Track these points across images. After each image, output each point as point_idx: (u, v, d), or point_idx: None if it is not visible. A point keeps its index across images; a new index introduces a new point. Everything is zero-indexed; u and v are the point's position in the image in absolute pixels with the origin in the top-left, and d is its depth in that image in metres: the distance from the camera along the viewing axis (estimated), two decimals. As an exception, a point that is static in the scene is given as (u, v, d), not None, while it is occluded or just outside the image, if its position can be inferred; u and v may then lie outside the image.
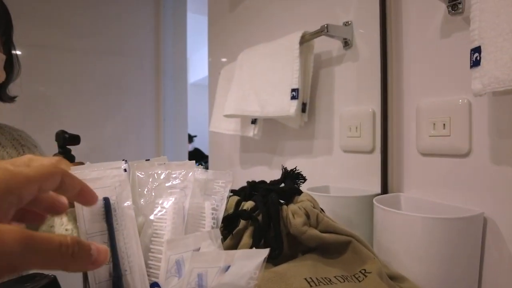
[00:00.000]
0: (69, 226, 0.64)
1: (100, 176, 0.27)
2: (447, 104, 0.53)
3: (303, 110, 0.78)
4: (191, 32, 2.03)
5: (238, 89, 0.87)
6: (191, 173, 0.38)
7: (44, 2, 1.56)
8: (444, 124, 0.54)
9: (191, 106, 2.12)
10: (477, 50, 0.41)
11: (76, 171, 0.28)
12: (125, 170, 0.32)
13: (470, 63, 0.42)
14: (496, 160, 0.49)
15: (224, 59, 1.21)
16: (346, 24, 0.71)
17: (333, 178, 0.73)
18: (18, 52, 0.70)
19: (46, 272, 0.47)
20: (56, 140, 0.65)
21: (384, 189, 0.62)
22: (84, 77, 1.68)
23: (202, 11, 1.94)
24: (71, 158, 0.66)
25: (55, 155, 0.63)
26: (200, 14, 1.98)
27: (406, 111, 0.60)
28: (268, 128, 0.91)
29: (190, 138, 2.55)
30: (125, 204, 0.28)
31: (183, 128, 2.10)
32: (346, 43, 0.71)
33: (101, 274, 0.25)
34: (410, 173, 0.60)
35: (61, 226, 0.66)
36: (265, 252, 0.27)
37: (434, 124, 0.55)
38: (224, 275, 0.27)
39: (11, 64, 0.66)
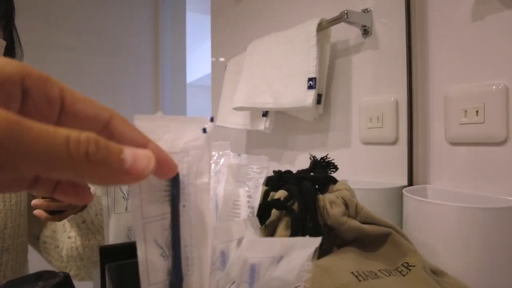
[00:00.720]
0: (72, 234, 0.60)
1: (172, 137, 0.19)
2: (480, 90, 0.51)
3: (318, 102, 0.75)
4: (188, 31, 1.99)
5: (248, 81, 0.84)
6: (223, 157, 0.35)
7: (41, 0, 1.52)
8: (477, 111, 0.51)
9: (189, 106, 2.08)
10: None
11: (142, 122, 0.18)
12: (204, 130, 0.20)
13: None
14: (534, 148, 0.46)
15: (228, 55, 1.18)
16: (365, 11, 0.68)
17: (352, 172, 0.70)
18: None
19: (56, 270, 0.43)
20: None
21: (410, 181, 0.59)
22: (81, 76, 1.63)
23: (200, 10, 1.91)
24: None
25: None
26: (198, 13, 1.95)
27: (433, 99, 0.58)
28: (279, 122, 0.88)
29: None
30: (200, 181, 0.19)
31: None
32: (365, 31, 0.68)
33: (156, 271, 0.19)
34: (438, 163, 0.57)
35: (64, 232, 0.62)
36: (317, 240, 0.24)
37: (466, 111, 0.52)
38: (277, 266, 0.24)
39: (12, 51, 0.62)
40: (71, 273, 0.61)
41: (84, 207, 0.56)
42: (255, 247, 0.23)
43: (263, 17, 0.99)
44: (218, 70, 1.22)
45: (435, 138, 0.58)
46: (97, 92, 1.67)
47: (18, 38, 0.62)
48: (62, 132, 0.13)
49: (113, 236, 0.46)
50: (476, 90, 0.52)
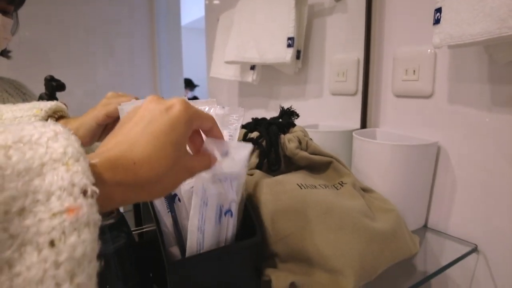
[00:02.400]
0: None
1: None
2: (418, 54, 0.64)
3: (298, 57, 0.88)
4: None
5: (237, 37, 0.95)
6: (212, 109, 0.49)
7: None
8: (414, 71, 0.65)
9: (184, 49, 2.12)
10: (439, 10, 0.51)
11: None
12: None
13: (433, 21, 0.52)
14: (452, 101, 0.61)
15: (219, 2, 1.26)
16: (338, -23, 0.78)
17: (322, 117, 0.85)
18: None
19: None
20: (45, 86, 0.66)
21: (363, 125, 0.74)
22: (73, 22, 1.61)
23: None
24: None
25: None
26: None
27: (385, 59, 0.71)
28: (265, 74, 1.01)
29: (192, 85, 2.60)
30: None
31: (178, 72, 2.14)
32: (337, -4, 0.79)
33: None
34: (385, 111, 0.72)
35: None
36: (250, 145, 0.38)
37: (406, 70, 0.66)
38: (224, 159, 0.38)
39: (16, 24, 0.74)
40: None
41: None
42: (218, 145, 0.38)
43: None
44: (211, 21, 1.31)
45: (385, 91, 0.72)
46: (93, 37, 1.67)
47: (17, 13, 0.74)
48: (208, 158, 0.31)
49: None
50: (415, 53, 0.65)
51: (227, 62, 0.98)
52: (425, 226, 0.66)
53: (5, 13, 0.69)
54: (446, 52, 0.60)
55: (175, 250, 0.41)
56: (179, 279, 0.37)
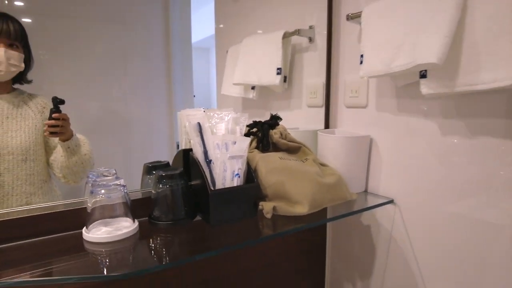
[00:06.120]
0: (63, 154, 0.97)
1: (195, 113, 0.74)
2: (358, 80, 1.01)
3: (285, 81, 1.24)
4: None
5: (242, 65, 1.32)
6: (230, 114, 0.85)
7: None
8: (356, 91, 1.01)
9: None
10: (362, 56, 0.87)
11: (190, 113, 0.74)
12: (204, 111, 0.78)
13: (360, 62, 0.89)
14: (378, 109, 0.97)
15: (228, 44, 1.64)
16: (311, 27, 1.15)
17: (301, 122, 1.21)
18: (28, 20, 0.99)
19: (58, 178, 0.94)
20: (52, 102, 0.89)
21: (327, 127, 1.10)
22: (94, 44, 1.76)
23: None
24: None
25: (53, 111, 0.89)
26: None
27: (340, 83, 1.08)
28: (262, 92, 1.37)
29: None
30: (206, 125, 0.74)
31: (189, 89, 2.49)
32: (310, 39, 1.16)
33: (199, 157, 0.73)
34: (340, 117, 1.08)
35: (59, 155, 0.96)
36: (248, 139, 0.76)
37: (352, 90, 1.02)
38: (234, 146, 0.75)
39: (28, 59, 0.92)
40: (62, 180, 0.96)
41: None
42: (229, 137, 0.75)
43: (253, 15, 1.45)
44: (220, 54, 1.68)
45: (340, 104, 1.08)
46: (111, 57, 1.83)
47: (30, 50, 0.92)
48: None
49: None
50: (356, 79, 1.01)
51: (235, 84, 1.35)
52: (365, 191, 1.01)
53: (11, 46, 0.86)
54: (374, 79, 0.97)
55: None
56: (214, 201, 0.73)
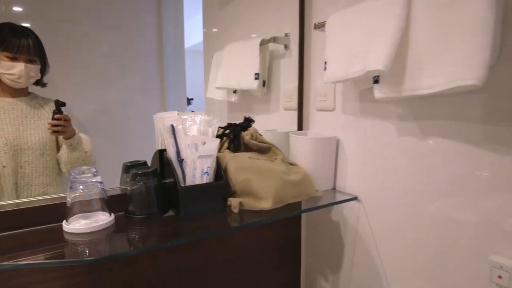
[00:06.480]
0: (66, 150, 1.16)
1: (169, 116, 0.80)
2: (326, 85, 1.07)
3: (264, 85, 1.31)
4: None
5: (224, 71, 1.39)
6: (202, 116, 0.92)
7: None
8: (325, 95, 1.08)
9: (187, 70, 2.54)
10: (325, 63, 0.94)
11: (164, 115, 0.81)
12: (178, 114, 0.85)
13: (324, 69, 0.95)
14: (344, 112, 1.04)
15: (215, 47, 1.71)
16: (286, 35, 1.22)
17: (279, 124, 1.28)
18: (27, 25, 1.04)
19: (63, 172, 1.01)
20: (55, 104, 1.03)
21: (300, 128, 1.17)
22: (93, 48, 1.84)
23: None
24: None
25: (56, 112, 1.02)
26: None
27: (312, 88, 1.14)
28: (243, 96, 1.44)
29: (188, 101, 3.02)
30: (179, 127, 0.81)
31: (182, 90, 2.56)
32: (286, 46, 1.23)
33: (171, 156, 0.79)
34: (312, 120, 1.15)
35: (63, 151, 1.15)
36: (217, 140, 0.82)
37: (321, 94, 1.09)
38: (203, 147, 0.82)
39: (44, 67, 1.04)
40: (67, 175, 1.05)
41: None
42: (199, 138, 0.82)
43: (236, 23, 1.52)
44: (207, 58, 1.75)
45: (311, 108, 1.15)
46: (108, 60, 1.90)
47: (47, 58, 1.05)
48: None
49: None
50: (325, 85, 1.08)
51: (218, 88, 1.42)
52: (334, 188, 1.08)
53: (30, 61, 0.98)
54: (340, 84, 1.04)
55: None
56: (184, 197, 0.79)
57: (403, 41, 0.74)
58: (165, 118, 0.87)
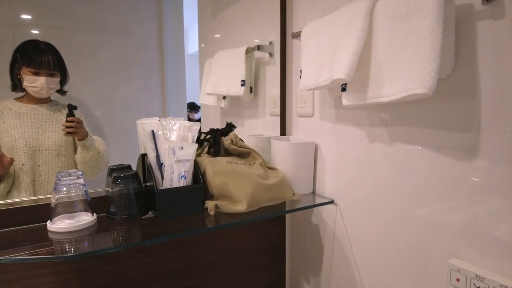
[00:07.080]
0: (81, 150, 1.23)
1: (150, 122, 0.85)
2: (306, 92, 1.11)
3: (251, 91, 1.36)
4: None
5: (213, 77, 1.44)
6: (182, 122, 0.97)
7: None
8: (305, 102, 1.12)
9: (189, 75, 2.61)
10: (301, 72, 0.98)
11: (145, 121, 0.86)
12: (159, 119, 0.90)
13: (300, 77, 0.99)
14: (322, 118, 1.07)
15: (208, 54, 1.76)
16: (270, 43, 1.27)
17: (265, 129, 1.32)
18: (36, 32, 1.14)
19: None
20: (68, 108, 1.13)
21: (283, 134, 1.21)
22: (102, 55, 1.95)
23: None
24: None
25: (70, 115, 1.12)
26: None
27: (293, 95, 1.18)
28: (233, 102, 1.49)
29: (196, 108, 3.08)
30: (159, 132, 0.86)
31: (183, 96, 2.62)
32: (270, 54, 1.27)
33: (151, 160, 0.84)
34: (294, 125, 1.19)
35: (77, 152, 1.21)
36: (195, 144, 0.87)
37: (301, 101, 1.13)
38: (181, 151, 0.87)
39: (64, 78, 1.13)
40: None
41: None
42: (175, 143, 0.87)
43: (226, 31, 1.57)
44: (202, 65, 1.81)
45: (293, 114, 1.19)
46: (114, 66, 2.00)
47: (66, 69, 1.16)
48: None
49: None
50: (304, 92, 1.12)
51: (207, 94, 1.47)
52: (313, 192, 1.11)
53: (50, 75, 1.08)
54: (318, 91, 1.07)
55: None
56: (161, 199, 0.84)
57: (366, 51, 0.78)
58: (145, 124, 0.93)
